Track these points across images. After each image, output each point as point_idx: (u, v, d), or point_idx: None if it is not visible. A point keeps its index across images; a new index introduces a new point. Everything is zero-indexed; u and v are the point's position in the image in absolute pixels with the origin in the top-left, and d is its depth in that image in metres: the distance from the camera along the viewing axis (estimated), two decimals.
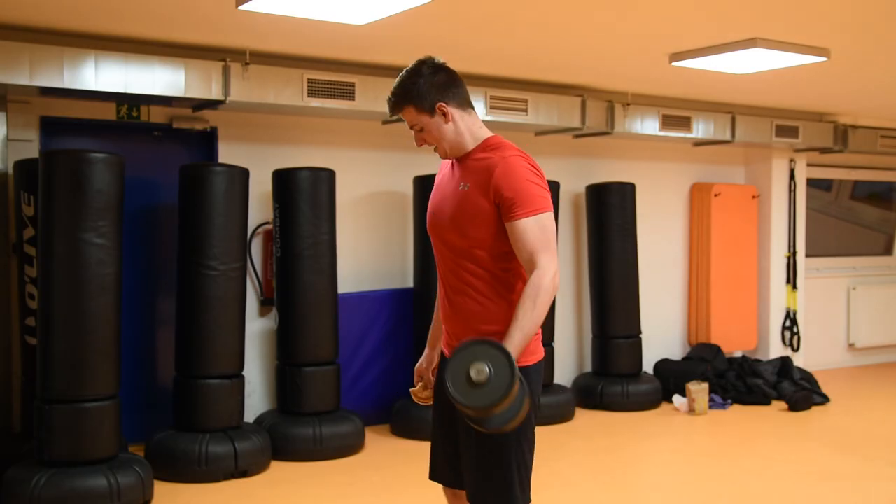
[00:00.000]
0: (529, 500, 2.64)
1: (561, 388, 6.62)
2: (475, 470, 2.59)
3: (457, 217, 2.56)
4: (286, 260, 5.47)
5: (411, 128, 2.67)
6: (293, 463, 5.27)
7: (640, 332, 7.07)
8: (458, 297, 2.60)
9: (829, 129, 7.97)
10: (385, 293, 6.24)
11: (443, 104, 2.58)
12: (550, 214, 2.52)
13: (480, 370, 2.25)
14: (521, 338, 2.40)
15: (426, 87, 2.57)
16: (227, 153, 5.74)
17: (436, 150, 2.68)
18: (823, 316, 8.74)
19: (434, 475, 2.88)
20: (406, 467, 5.20)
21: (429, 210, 2.73)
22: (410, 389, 2.97)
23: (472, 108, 2.67)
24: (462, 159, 2.63)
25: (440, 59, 2.64)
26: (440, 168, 2.80)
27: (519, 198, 2.47)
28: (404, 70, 2.62)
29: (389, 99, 2.63)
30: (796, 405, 6.89)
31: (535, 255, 2.46)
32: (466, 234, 2.55)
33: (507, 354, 2.28)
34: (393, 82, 2.67)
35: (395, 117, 2.71)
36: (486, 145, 2.61)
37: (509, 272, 2.58)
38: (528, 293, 2.43)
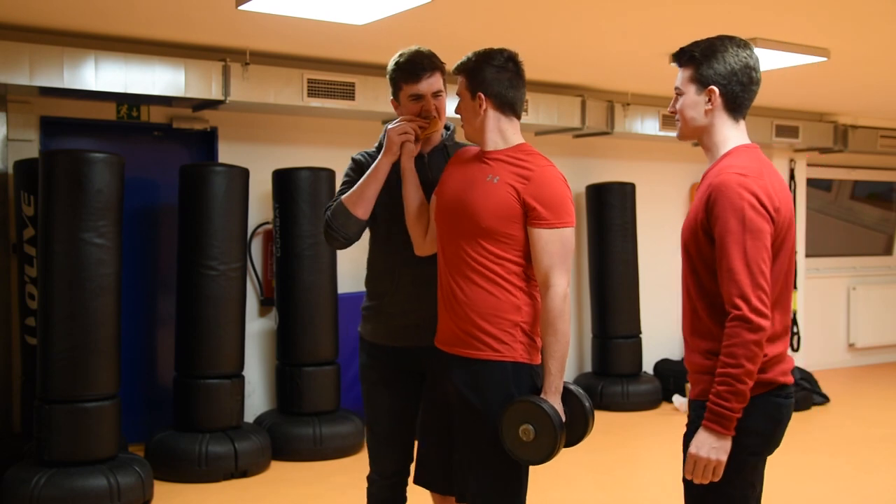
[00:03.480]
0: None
1: None
2: (478, 471, 2.60)
3: (480, 206, 2.58)
4: (286, 260, 5.46)
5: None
6: (293, 463, 5.27)
7: (640, 332, 7.07)
8: (462, 287, 2.60)
9: (829, 129, 7.97)
10: None
11: (482, 96, 2.62)
12: (573, 230, 2.60)
13: (526, 430, 2.49)
14: (556, 366, 2.54)
15: (489, 75, 2.61)
16: (227, 153, 5.73)
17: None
18: (823, 316, 8.74)
19: (421, 480, 2.87)
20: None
21: (441, 198, 2.72)
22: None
23: (517, 116, 2.68)
24: (491, 154, 2.65)
25: (520, 58, 2.68)
26: (454, 157, 2.79)
27: (549, 208, 2.54)
28: (485, 48, 2.65)
29: (463, 60, 2.65)
30: (796, 405, 6.87)
31: (550, 272, 2.54)
32: (483, 225, 2.56)
33: (549, 414, 2.47)
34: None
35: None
36: (519, 149, 2.65)
37: (518, 267, 2.59)
38: (547, 320, 2.54)
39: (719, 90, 2.29)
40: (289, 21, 4.44)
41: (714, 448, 2.18)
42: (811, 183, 8.58)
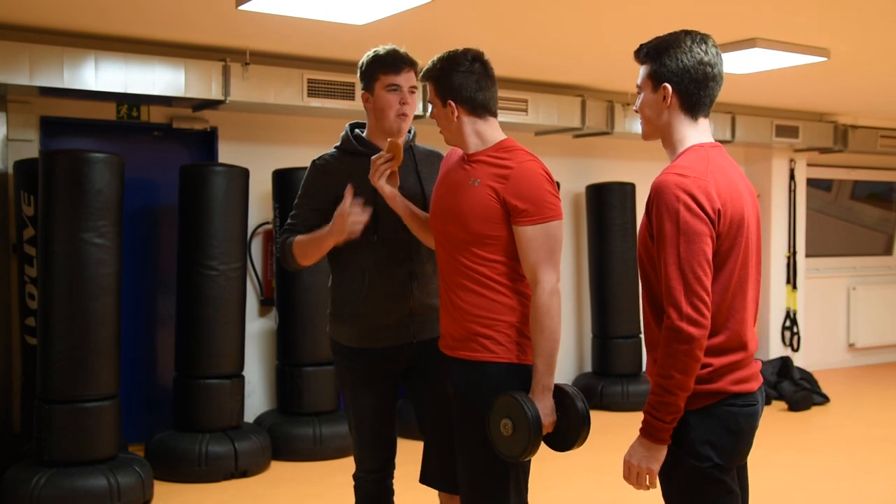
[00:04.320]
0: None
1: None
2: (470, 473, 2.60)
3: (464, 211, 2.56)
4: None
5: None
6: (293, 463, 5.27)
7: (640, 332, 7.07)
8: (457, 292, 2.61)
9: (829, 129, 7.97)
10: None
11: (453, 104, 2.60)
12: (559, 223, 2.55)
13: (506, 425, 2.46)
14: (544, 363, 2.52)
15: (457, 81, 2.59)
16: (227, 153, 5.73)
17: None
18: (823, 316, 8.74)
19: (425, 479, 2.88)
20: (406, 467, 5.18)
21: (432, 202, 2.73)
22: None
23: (492, 114, 2.65)
24: (472, 156, 2.63)
25: (486, 56, 2.65)
26: (445, 159, 2.80)
27: (529, 204, 2.50)
28: (448, 51, 2.63)
29: (428, 66, 2.65)
30: (796, 405, 6.89)
31: (537, 268, 2.51)
32: (471, 229, 2.55)
33: (526, 409, 2.43)
34: None
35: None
36: (500, 147, 2.61)
37: (506, 268, 2.58)
38: (534, 317, 2.52)
39: (672, 88, 2.19)
40: (289, 21, 4.44)
41: (645, 457, 2.15)
42: (811, 183, 8.58)
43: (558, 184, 6.47)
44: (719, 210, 2.09)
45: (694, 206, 2.06)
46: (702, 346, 2.07)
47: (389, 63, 2.80)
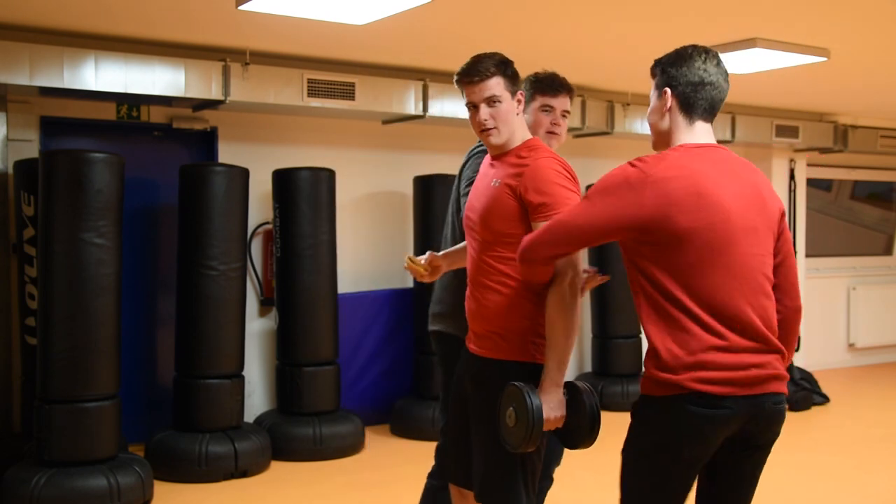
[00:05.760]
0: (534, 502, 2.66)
1: None
2: (484, 469, 2.61)
3: (485, 212, 2.61)
4: (286, 260, 5.47)
5: (484, 100, 2.61)
6: (293, 463, 5.27)
7: (640, 332, 7.07)
8: (480, 291, 2.64)
9: (829, 129, 7.97)
10: (385, 293, 6.23)
11: (521, 94, 2.70)
12: None
13: (509, 414, 2.47)
14: (554, 359, 2.50)
15: (518, 74, 2.70)
16: (227, 153, 5.73)
17: (488, 134, 2.64)
18: (823, 316, 8.74)
19: (441, 472, 2.90)
20: (406, 467, 5.19)
21: (466, 205, 2.80)
22: (410, 256, 3.05)
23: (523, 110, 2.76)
24: (501, 156, 2.67)
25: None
26: (480, 168, 2.84)
27: (545, 200, 2.52)
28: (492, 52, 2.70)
29: (489, 63, 2.62)
30: (796, 405, 6.89)
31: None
32: (493, 229, 2.59)
33: (527, 400, 2.42)
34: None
35: (475, 79, 2.63)
36: (524, 145, 2.66)
37: None
38: (549, 313, 2.51)
39: (671, 91, 2.30)
40: (289, 21, 4.44)
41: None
42: (811, 183, 8.58)
43: None
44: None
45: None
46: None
47: (549, 85, 3.05)
